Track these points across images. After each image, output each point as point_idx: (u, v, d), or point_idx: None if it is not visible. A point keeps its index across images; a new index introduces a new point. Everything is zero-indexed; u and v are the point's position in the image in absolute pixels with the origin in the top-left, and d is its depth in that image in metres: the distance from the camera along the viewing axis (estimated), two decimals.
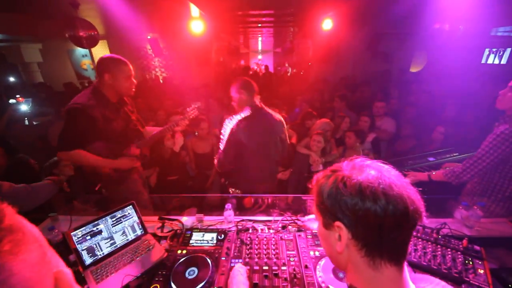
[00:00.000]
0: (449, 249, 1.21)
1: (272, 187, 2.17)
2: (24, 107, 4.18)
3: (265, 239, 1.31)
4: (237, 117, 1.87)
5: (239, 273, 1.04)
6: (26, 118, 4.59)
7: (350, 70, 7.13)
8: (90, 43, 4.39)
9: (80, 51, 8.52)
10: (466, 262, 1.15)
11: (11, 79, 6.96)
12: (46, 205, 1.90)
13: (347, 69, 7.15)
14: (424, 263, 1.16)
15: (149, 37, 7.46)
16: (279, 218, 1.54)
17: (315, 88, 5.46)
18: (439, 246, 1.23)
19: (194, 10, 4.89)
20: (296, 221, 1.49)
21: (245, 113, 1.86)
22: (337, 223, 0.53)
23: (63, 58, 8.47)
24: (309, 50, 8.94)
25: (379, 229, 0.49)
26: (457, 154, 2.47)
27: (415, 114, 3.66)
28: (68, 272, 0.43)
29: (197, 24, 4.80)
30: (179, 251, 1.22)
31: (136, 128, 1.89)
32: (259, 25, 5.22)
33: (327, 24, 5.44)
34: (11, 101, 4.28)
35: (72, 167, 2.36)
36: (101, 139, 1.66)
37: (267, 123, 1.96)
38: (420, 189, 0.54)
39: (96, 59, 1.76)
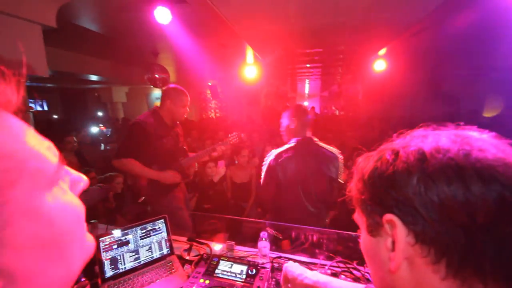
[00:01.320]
0: None
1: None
2: (95, 133, 5.10)
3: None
4: (278, 150, 1.68)
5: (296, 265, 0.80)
6: (102, 144, 5.57)
7: (406, 111, 6.54)
8: (162, 83, 5.29)
9: (155, 94, 10.30)
10: None
11: (100, 113, 8.67)
12: (92, 213, 2.00)
13: (403, 109, 6.59)
14: None
15: (209, 83, 8.59)
16: (327, 262, 1.21)
17: (366, 126, 5.10)
18: None
19: (249, 57, 5.50)
20: (352, 270, 1.14)
21: (289, 144, 1.67)
22: (388, 216, 0.31)
23: (142, 99, 10.30)
24: (359, 93, 8.75)
25: (468, 225, 0.26)
26: None
27: None
28: None
29: (251, 70, 5.32)
30: (201, 280, 1.02)
31: (183, 147, 2.05)
32: (308, 65, 5.42)
33: (380, 65, 5.29)
34: (95, 128, 5.24)
35: (119, 186, 2.55)
36: (151, 153, 1.81)
37: (313, 158, 1.65)
38: None
39: None
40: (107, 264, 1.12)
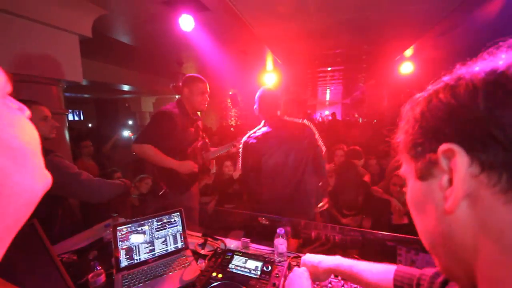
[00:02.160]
0: None
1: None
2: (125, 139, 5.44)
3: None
4: (249, 133, 1.74)
5: (304, 277, 0.75)
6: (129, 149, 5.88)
7: None
8: None
9: None
10: None
11: (130, 122, 9.27)
12: (116, 208, 2.06)
13: None
14: None
15: (230, 92, 8.81)
16: None
17: (393, 133, 4.81)
18: None
19: (269, 64, 5.55)
20: None
21: (259, 126, 1.73)
22: (444, 145, 0.26)
23: None
24: (384, 99, 8.35)
25: None
26: None
27: None
28: None
29: (270, 77, 5.36)
30: (214, 274, 0.98)
31: (206, 141, 2.03)
32: (329, 68, 5.31)
33: (406, 68, 5.00)
34: (125, 134, 5.56)
35: (147, 186, 2.64)
36: (174, 142, 1.75)
37: (282, 137, 1.64)
38: None
39: None
40: (122, 253, 1.12)
